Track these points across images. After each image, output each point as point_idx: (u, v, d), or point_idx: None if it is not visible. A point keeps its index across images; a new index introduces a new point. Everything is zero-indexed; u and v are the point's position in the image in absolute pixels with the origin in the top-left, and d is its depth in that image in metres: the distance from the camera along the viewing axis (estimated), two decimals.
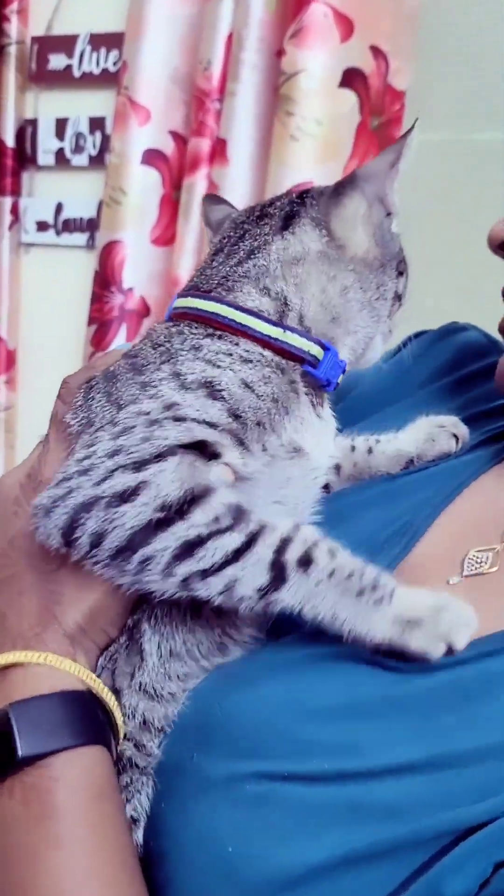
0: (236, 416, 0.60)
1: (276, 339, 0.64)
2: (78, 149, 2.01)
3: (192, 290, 0.69)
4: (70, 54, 1.99)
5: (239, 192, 1.59)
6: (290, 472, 0.65)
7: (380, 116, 1.54)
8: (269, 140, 1.54)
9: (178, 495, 0.55)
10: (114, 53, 1.92)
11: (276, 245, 0.67)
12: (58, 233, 2.06)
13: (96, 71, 1.96)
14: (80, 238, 2.03)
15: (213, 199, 0.84)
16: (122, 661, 0.61)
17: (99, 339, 1.81)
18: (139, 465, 0.56)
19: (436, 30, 1.54)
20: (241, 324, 0.64)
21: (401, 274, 0.73)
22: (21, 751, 0.52)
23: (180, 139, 1.76)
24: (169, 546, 0.55)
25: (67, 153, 2.03)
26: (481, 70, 1.51)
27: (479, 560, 0.64)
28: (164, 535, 0.55)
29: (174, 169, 1.77)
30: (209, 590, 0.55)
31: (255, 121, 1.58)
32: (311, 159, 1.49)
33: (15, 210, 2.09)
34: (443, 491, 0.70)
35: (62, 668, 0.55)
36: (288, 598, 0.56)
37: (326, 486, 0.76)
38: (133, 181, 1.76)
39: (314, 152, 1.50)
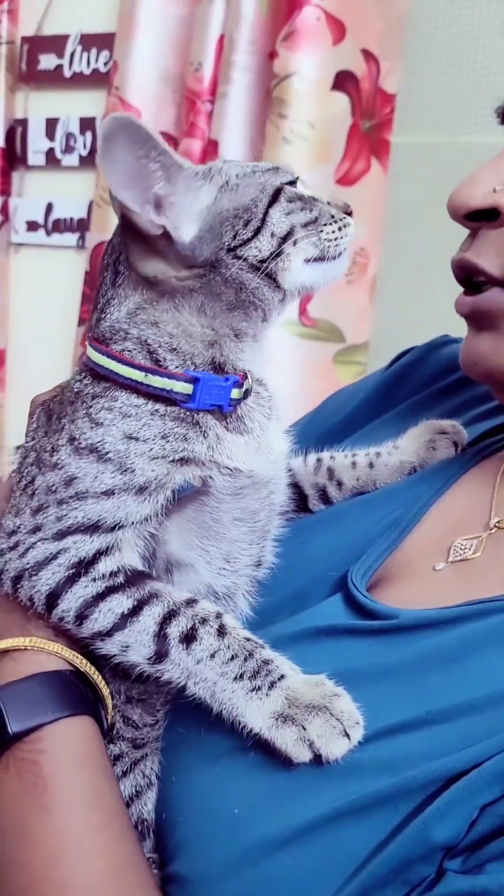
0: (125, 471, 0.61)
1: (140, 384, 0.63)
2: (68, 149, 2.01)
3: (89, 335, 0.68)
4: (60, 54, 1.99)
5: None
6: (238, 487, 0.65)
7: (371, 119, 1.55)
8: (262, 142, 1.54)
9: (90, 553, 0.60)
10: (104, 54, 1.92)
11: (115, 301, 0.65)
12: (48, 233, 2.06)
13: (87, 71, 1.96)
14: (71, 238, 2.03)
15: None
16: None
17: None
18: (58, 536, 0.61)
19: (423, 32, 1.54)
20: (113, 371, 0.63)
21: (243, 244, 0.63)
22: (11, 728, 0.56)
23: (171, 140, 1.76)
24: (71, 607, 0.59)
25: (58, 153, 2.02)
26: (469, 72, 1.52)
27: (463, 547, 0.67)
28: (68, 596, 0.60)
29: None
30: (109, 650, 0.59)
31: (247, 123, 1.58)
32: (303, 162, 1.49)
33: (5, 210, 2.09)
34: (433, 487, 0.73)
35: (47, 650, 0.60)
36: (172, 671, 0.58)
37: (327, 499, 0.77)
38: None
39: (307, 155, 1.50)
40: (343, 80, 1.51)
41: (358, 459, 0.78)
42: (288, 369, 1.51)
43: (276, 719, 0.56)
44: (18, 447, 0.68)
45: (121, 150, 0.60)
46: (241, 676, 0.57)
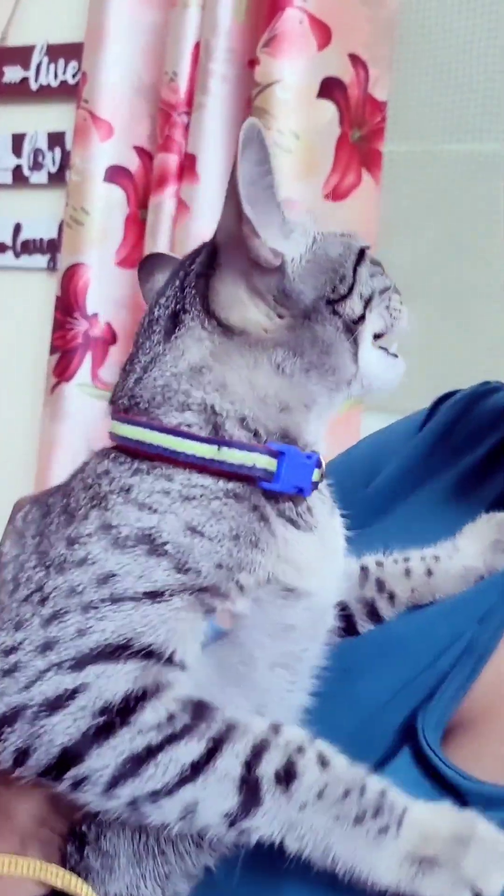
0: (186, 571, 0.49)
1: (212, 461, 0.52)
2: (36, 165, 1.90)
3: (113, 407, 0.58)
4: (26, 66, 1.88)
5: (211, 212, 1.48)
6: (287, 618, 0.53)
7: (361, 128, 1.45)
8: None
9: (123, 694, 0.46)
10: (73, 65, 1.81)
11: (169, 356, 0.56)
12: (16, 255, 1.95)
13: (54, 83, 1.86)
14: (41, 260, 1.91)
15: (150, 262, 0.68)
16: (92, 858, 0.50)
17: (62, 368, 1.69)
18: (77, 665, 0.47)
19: (413, 39, 1.47)
20: (167, 449, 0.52)
21: (341, 299, 0.57)
22: None
23: (146, 155, 1.66)
24: (108, 764, 0.45)
25: (25, 170, 1.91)
26: (462, 77, 1.44)
27: None
28: (102, 750, 0.45)
29: (139, 187, 1.67)
30: (163, 815, 0.45)
31: (226, 135, 1.49)
32: (289, 176, 1.39)
33: None
34: None
35: (16, 873, 0.46)
36: (264, 825, 0.45)
37: (377, 615, 0.64)
38: (96, 200, 1.65)
39: (293, 168, 1.41)
40: (330, 88, 1.41)
41: (412, 566, 0.64)
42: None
43: (415, 864, 0.44)
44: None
45: (252, 160, 0.53)
46: (363, 817, 0.45)
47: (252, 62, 1.43)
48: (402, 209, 1.47)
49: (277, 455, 0.53)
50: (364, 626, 0.64)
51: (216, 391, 0.54)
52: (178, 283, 0.58)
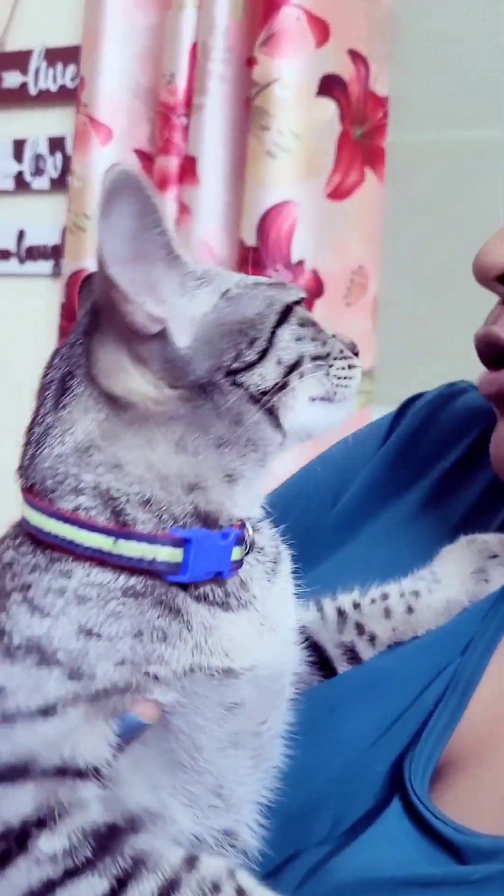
0: (79, 677, 0.45)
1: (109, 554, 0.46)
2: (38, 171, 1.89)
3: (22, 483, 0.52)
4: (24, 71, 1.87)
5: (212, 215, 1.47)
6: (229, 697, 0.49)
7: (363, 125, 1.43)
8: (244, 157, 1.42)
9: (20, 818, 0.42)
10: (71, 68, 1.80)
11: (58, 430, 0.49)
12: (21, 261, 1.94)
13: (53, 88, 1.84)
14: (45, 266, 1.90)
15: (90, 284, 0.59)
16: None
17: None
18: None
19: (409, 31, 1.45)
20: (64, 539, 0.47)
21: (246, 368, 0.49)
22: None
23: (146, 158, 1.64)
24: None
25: (27, 176, 1.90)
26: (462, 66, 1.42)
27: None
28: (3, 881, 0.41)
29: None
30: None
31: (226, 136, 1.47)
32: (290, 176, 1.37)
33: None
34: (489, 627, 0.57)
35: None
36: None
37: (357, 658, 0.60)
38: (97, 205, 1.63)
39: (293, 169, 1.38)
40: (329, 85, 1.39)
41: (392, 604, 0.59)
42: None
43: None
44: None
45: (122, 214, 0.45)
46: None
47: (250, 61, 1.41)
48: (406, 200, 1.45)
49: (183, 543, 0.47)
50: (342, 668, 0.60)
51: (110, 472, 0.48)
52: (72, 337, 0.51)
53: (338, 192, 1.41)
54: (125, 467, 0.48)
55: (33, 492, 0.49)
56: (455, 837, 0.48)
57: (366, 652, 0.60)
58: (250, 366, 0.49)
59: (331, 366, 0.52)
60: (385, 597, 0.60)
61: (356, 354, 0.55)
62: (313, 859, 0.50)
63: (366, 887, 0.47)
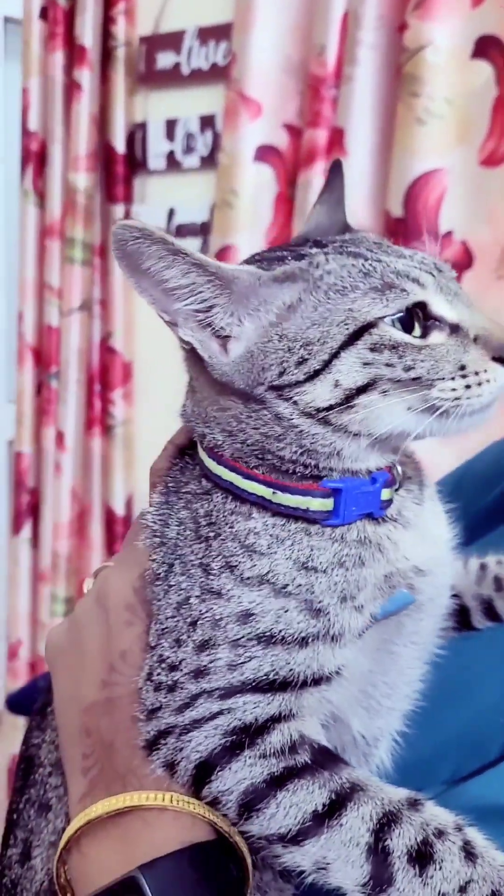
0: (319, 613, 0.50)
1: (270, 502, 0.52)
2: (189, 150, 1.93)
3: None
4: (178, 51, 1.90)
5: (360, 186, 1.44)
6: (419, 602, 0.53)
7: None
8: (393, 127, 1.39)
9: (260, 716, 0.48)
10: (223, 46, 1.82)
11: (197, 392, 0.56)
12: None
13: (205, 66, 1.87)
14: (194, 244, 1.94)
15: (329, 183, 0.63)
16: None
17: None
18: (226, 695, 0.49)
19: None
20: (230, 483, 0.53)
21: (298, 383, 0.51)
22: None
23: (295, 132, 1.63)
24: (229, 789, 0.47)
25: (178, 155, 1.94)
26: None
27: None
28: (225, 773, 0.47)
29: (289, 164, 1.65)
30: (298, 862, 0.45)
31: (375, 106, 1.44)
32: (440, 144, 1.33)
33: (128, 218, 2.02)
34: None
35: (191, 812, 0.48)
36: None
37: (495, 614, 0.61)
38: (245, 181, 1.65)
39: (444, 136, 1.34)
40: (485, 47, 1.33)
41: None
42: None
43: None
44: (144, 514, 0.57)
45: (129, 257, 0.50)
46: None
47: (402, 27, 1.37)
48: None
49: (333, 493, 0.52)
50: (482, 623, 0.62)
51: (237, 428, 0.53)
52: None
53: (492, 159, 1.35)
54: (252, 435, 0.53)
55: (205, 441, 0.55)
56: None
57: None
58: (295, 384, 0.50)
59: (430, 387, 0.50)
60: None
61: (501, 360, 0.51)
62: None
63: (483, 813, 0.46)
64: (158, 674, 0.51)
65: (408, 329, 0.50)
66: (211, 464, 0.54)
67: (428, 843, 0.43)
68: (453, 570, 0.58)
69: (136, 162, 2.02)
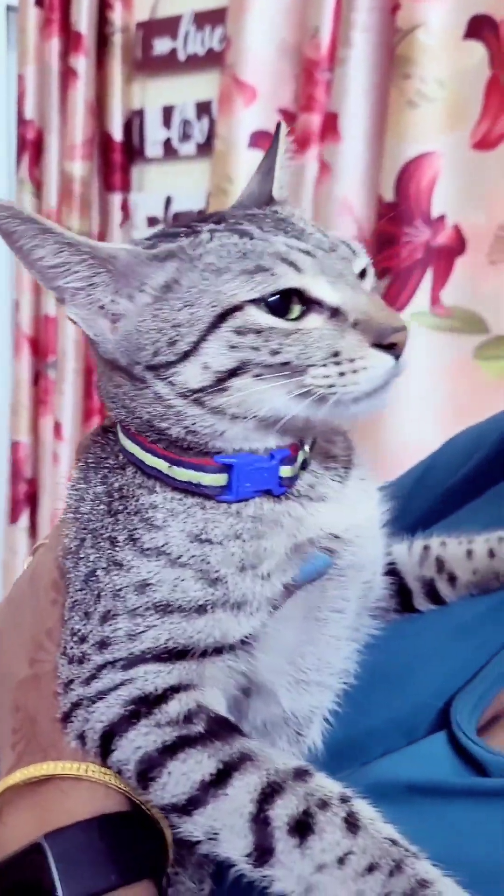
0: (214, 582, 0.50)
1: (166, 476, 0.52)
2: (185, 137, 1.91)
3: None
4: (174, 36, 1.88)
5: (353, 171, 1.43)
6: (338, 569, 0.53)
7: None
8: (386, 109, 1.36)
9: (159, 686, 0.49)
10: (219, 31, 1.80)
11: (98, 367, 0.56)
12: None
13: (201, 52, 1.85)
14: None
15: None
16: None
17: None
18: (129, 664, 0.50)
19: None
20: (135, 456, 0.53)
21: (171, 363, 0.50)
22: (61, 894, 0.45)
23: (291, 117, 1.61)
24: (127, 759, 0.47)
25: (175, 142, 1.92)
26: None
27: None
28: (123, 742, 0.47)
29: None
30: (191, 832, 0.45)
31: (369, 89, 1.42)
32: (433, 127, 1.31)
33: (125, 206, 2.01)
34: None
35: (106, 782, 0.48)
36: (282, 878, 0.42)
37: (436, 596, 0.62)
38: (240, 167, 1.63)
39: (437, 119, 1.32)
40: (478, 26, 1.30)
41: (475, 548, 0.61)
42: (419, 368, 1.32)
43: None
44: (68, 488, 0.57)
45: (21, 249, 0.50)
46: None
47: (395, 8, 1.35)
48: None
49: (227, 469, 0.51)
50: (424, 605, 0.62)
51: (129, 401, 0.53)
52: None
53: (485, 142, 1.32)
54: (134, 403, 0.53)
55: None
56: (485, 756, 0.47)
57: (446, 591, 0.61)
58: (168, 364, 0.50)
59: (302, 373, 0.49)
60: (471, 541, 0.62)
61: (389, 346, 0.49)
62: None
63: (378, 790, 0.46)
64: (70, 647, 0.51)
65: (283, 312, 0.49)
66: (122, 438, 0.54)
67: (309, 813, 0.42)
68: (383, 545, 0.58)
69: (133, 150, 2.00)
